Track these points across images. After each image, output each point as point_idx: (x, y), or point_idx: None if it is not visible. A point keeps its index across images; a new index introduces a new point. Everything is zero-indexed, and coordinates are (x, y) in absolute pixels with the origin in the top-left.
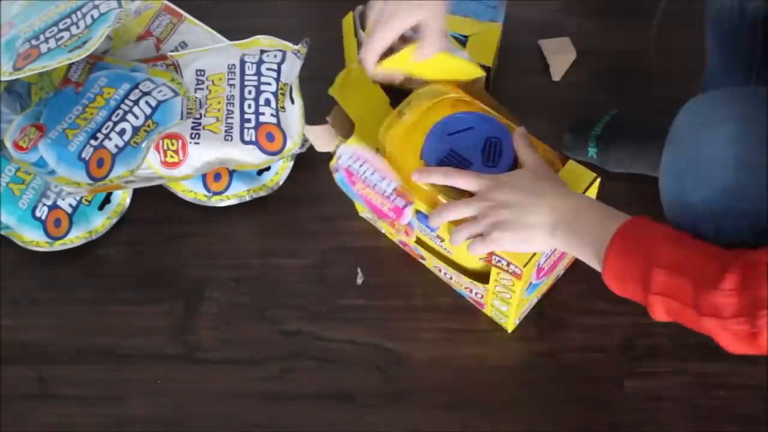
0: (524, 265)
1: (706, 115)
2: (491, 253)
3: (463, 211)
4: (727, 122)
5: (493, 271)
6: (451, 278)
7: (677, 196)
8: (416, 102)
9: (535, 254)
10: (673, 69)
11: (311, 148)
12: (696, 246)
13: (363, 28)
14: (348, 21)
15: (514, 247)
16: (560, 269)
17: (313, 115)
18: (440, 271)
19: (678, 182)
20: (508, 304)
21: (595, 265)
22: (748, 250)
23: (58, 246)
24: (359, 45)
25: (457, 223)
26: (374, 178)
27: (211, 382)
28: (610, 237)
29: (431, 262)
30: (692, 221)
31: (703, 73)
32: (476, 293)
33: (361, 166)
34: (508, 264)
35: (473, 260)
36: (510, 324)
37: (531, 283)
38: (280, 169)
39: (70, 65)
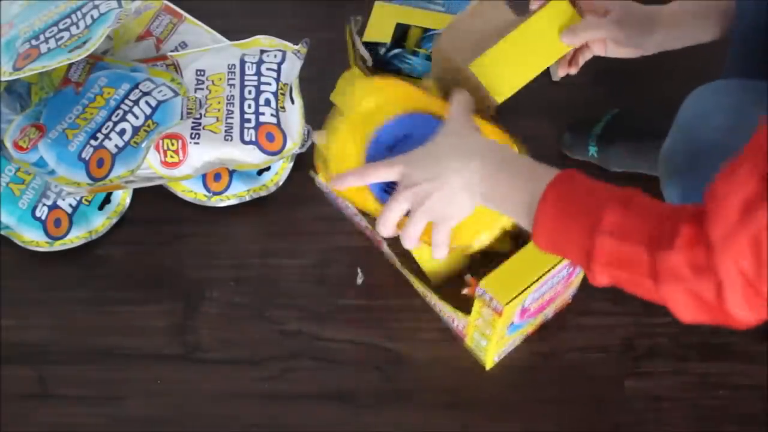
0: (506, 303)
1: (704, 103)
2: (474, 284)
3: (395, 209)
4: (718, 112)
5: (476, 303)
6: (435, 305)
7: (669, 175)
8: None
9: (521, 293)
10: (672, 68)
11: (311, 148)
12: (647, 206)
13: (360, 34)
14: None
15: (443, 212)
16: (549, 312)
17: (314, 115)
18: (426, 297)
19: (672, 162)
20: (487, 340)
21: (526, 224)
22: (690, 207)
23: (58, 246)
24: (357, 55)
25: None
26: (350, 211)
27: (211, 382)
28: (540, 192)
29: (417, 286)
30: (682, 201)
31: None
32: (458, 324)
33: (336, 198)
34: (491, 299)
35: (439, 265)
36: (489, 361)
37: (513, 323)
38: (280, 169)
39: (70, 65)
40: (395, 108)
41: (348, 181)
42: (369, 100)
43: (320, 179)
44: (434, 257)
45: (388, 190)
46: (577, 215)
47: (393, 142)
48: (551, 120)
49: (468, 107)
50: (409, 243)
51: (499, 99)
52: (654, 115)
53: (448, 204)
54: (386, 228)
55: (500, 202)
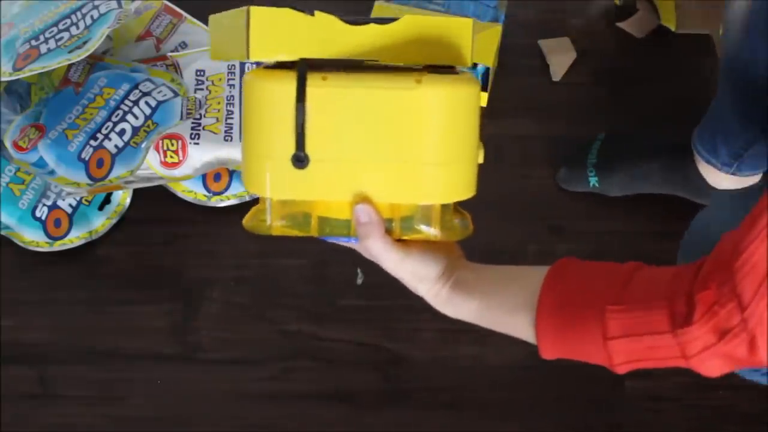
0: None
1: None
2: None
3: None
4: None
5: None
6: None
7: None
8: None
9: None
10: (673, 68)
11: None
12: (646, 288)
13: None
14: None
15: None
16: None
17: None
18: None
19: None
20: None
21: (528, 338)
22: (701, 262)
23: (58, 246)
24: None
25: None
26: None
27: (211, 382)
28: (534, 305)
29: None
30: None
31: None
32: None
33: None
34: None
35: None
36: None
37: None
38: None
39: (70, 65)
40: None
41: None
42: None
43: None
44: None
45: None
46: (580, 327)
47: None
48: (551, 120)
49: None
50: None
51: None
52: (646, 132)
53: None
54: None
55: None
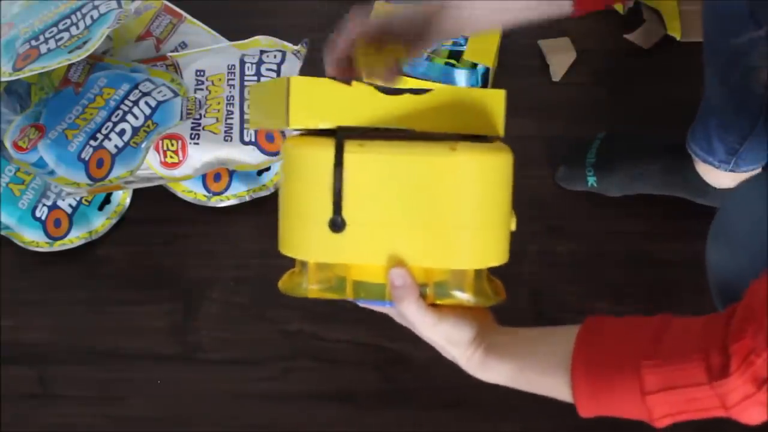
0: None
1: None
2: None
3: None
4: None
5: None
6: None
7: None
8: None
9: None
10: (672, 67)
11: None
12: (681, 341)
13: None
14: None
15: None
16: None
17: None
18: None
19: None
20: None
21: (565, 398)
22: (731, 310)
23: (58, 246)
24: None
25: None
26: None
27: (211, 382)
28: (569, 364)
29: None
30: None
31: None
32: None
33: None
34: None
35: None
36: None
37: None
38: (281, 170)
39: (70, 65)
40: None
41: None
42: None
43: None
44: None
45: None
46: (616, 385)
47: None
48: (551, 120)
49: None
50: None
51: None
52: (645, 132)
53: None
54: None
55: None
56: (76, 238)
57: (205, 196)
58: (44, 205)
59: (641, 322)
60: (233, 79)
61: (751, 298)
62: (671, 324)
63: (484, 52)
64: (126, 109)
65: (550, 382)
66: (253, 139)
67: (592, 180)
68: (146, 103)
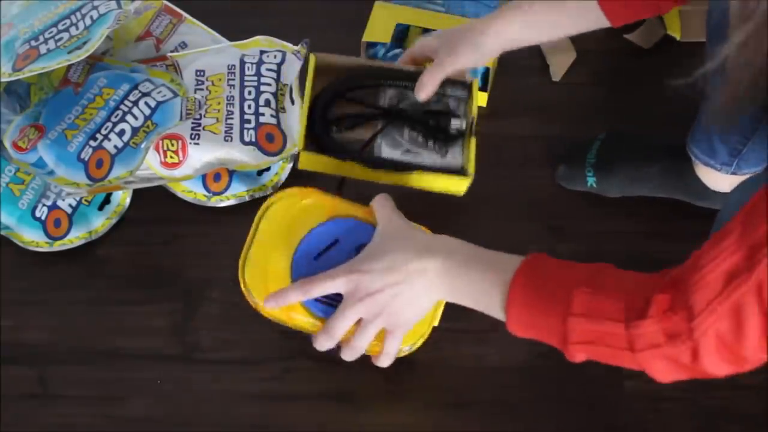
0: None
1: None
2: None
3: (346, 321)
4: None
5: None
6: None
7: None
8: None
9: None
10: (672, 67)
11: None
12: (616, 281)
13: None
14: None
15: (403, 317)
16: None
17: None
18: None
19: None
20: None
21: (498, 314)
22: (668, 270)
23: (58, 246)
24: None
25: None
26: None
27: (211, 382)
28: (508, 283)
29: None
30: None
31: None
32: None
33: None
34: None
35: None
36: None
37: None
38: (280, 170)
39: (70, 66)
40: (317, 217)
41: (289, 298)
42: (290, 214)
43: (254, 297)
44: (380, 365)
45: (324, 300)
46: (547, 301)
47: (318, 251)
48: (551, 120)
49: (394, 208)
50: (355, 355)
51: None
52: (645, 134)
53: (409, 308)
54: (330, 342)
55: (466, 297)
56: (76, 238)
57: (205, 196)
58: (44, 205)
59: (585, 264)
60: (233, 79)
61: (691, 261)
62: (613, 269)
63: None
64: (126, 109)
65: (490, 279)
66: (253, 139)
67: (591, 180)
68: (146, 103)
